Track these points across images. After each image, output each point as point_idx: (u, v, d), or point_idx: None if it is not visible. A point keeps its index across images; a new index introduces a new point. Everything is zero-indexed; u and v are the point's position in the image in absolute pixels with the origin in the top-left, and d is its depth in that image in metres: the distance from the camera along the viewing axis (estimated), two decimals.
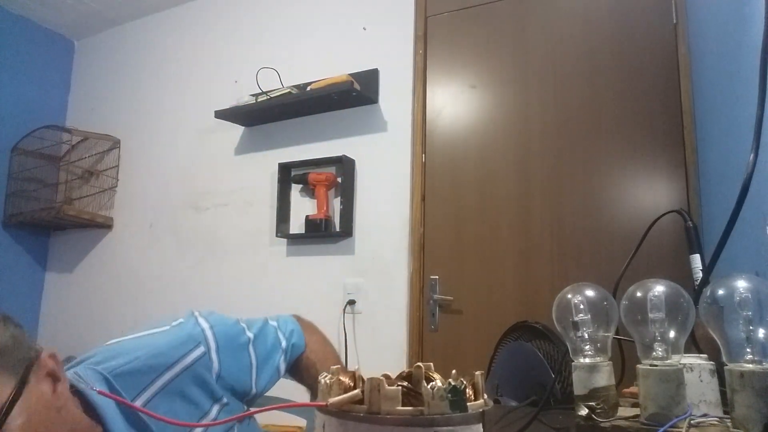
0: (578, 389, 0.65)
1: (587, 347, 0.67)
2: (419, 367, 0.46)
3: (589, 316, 0.68)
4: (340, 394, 0.45)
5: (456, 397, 0.43)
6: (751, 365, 0.55)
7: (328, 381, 0.47)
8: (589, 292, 0.69)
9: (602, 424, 0.61)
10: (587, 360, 0.66)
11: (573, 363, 0.67)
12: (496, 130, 2.11)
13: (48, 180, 3.10)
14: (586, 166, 1.93)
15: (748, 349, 0.56)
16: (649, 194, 1.83)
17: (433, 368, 0.48)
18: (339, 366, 0.51)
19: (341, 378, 0.47)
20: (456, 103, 2.22)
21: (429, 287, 2.12)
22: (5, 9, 3.15)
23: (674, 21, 1.87)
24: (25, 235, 3.20)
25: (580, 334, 0.67)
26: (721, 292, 0.59)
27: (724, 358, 0.58)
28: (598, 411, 0.62)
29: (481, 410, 0.44)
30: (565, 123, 1.99)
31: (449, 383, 0.43)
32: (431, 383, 0.44)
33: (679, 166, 1.79)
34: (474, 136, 2.15)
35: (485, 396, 0.47)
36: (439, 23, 2.31)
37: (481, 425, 0.44)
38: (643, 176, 1.85)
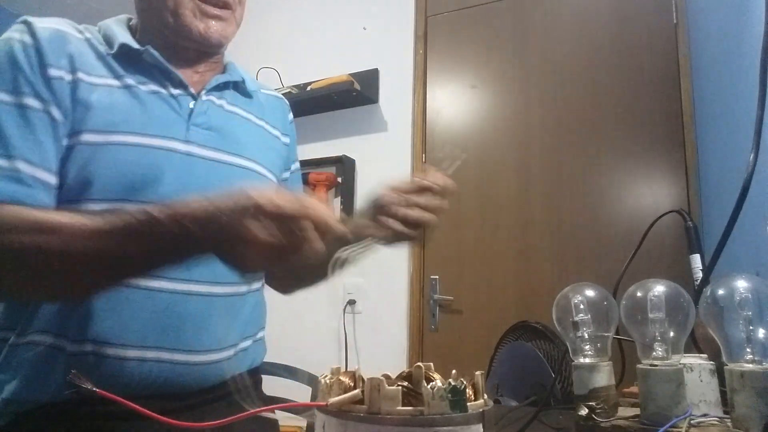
0: (578, 389, 0.65)
1: (587, 347, 0.67)
2: (419, 367, 0.46)
3: (589, 316, 0.68)
4: (340, 394, 0.45)
5: (456, 397, 0.43)
6: (751, 365, 0.55)
7: (328, 381, 0.47)
8: (589, 292, 0.69)
9: (602, 424, 0.61)
10: (587, 360, 0.66)
11: (573, 363, 0.67)
12: (496, 130, 2.11)
13: None
14: (586, 166, 1.93)
15: (748, 349, 0.56)
16: (649, 194, 1.83)
17: (433, 368, 0.48)
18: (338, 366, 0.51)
19: (341, 378, 0.47)
20: (456, 103, 2.21)
21: (429, 287, 2.12)
22: (5, 9, 3.15)
23: (674, 21, 1.87)
24: None
25: (580, 334, 0.67)
26: (721, 292, 0.59)
27: (724, 358, 0.58)
28: (598, 411, 0.62)
29: (481, 410, 0.44)
30: (565, 123, 1.99)
31: (449, 383, 0.43)
32: (431, 383, 0.44)
33: (680, 166, 1.79)
34: (474, 136, 2.15)
35: (485, 396, 0.47)
36: (439, 23, 2.31)
37: (481, 425, 0.44)
38: (643, 176, 1.84)
